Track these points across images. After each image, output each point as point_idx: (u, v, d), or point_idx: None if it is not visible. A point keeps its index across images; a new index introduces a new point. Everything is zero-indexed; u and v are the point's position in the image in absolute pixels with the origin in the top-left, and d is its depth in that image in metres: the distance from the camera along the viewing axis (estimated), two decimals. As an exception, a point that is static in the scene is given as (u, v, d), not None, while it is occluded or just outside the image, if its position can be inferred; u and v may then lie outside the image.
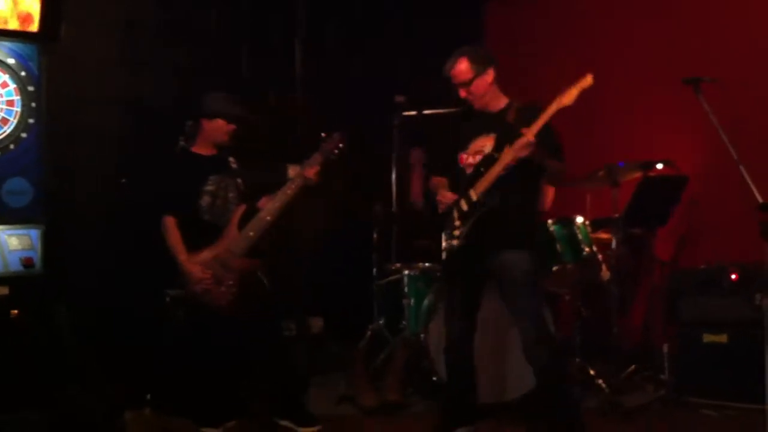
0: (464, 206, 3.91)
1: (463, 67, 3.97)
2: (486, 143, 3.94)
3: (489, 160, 3.87)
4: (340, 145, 4.26)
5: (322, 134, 4.29)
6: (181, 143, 4.33)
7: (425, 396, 4.82)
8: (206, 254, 4.17)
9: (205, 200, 4.25)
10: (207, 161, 4.32)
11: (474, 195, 3.88)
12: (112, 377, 4.46)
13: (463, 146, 4.04)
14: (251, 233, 4.18)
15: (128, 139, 5.13)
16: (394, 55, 6.31)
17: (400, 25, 6.48)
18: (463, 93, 4.00)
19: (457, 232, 3.91)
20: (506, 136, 3.82)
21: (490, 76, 3.99)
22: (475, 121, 4.07)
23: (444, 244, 3.99)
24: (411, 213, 5.35)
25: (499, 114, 3.99)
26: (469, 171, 3.98)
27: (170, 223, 4.20)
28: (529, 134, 3.72)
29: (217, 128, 4.30)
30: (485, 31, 6.90)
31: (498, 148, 3.86)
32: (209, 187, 4.26)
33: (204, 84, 5.30)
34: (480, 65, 3.96)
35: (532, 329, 3.87)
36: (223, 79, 5.54)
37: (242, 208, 4.27)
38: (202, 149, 4.34)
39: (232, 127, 4.32)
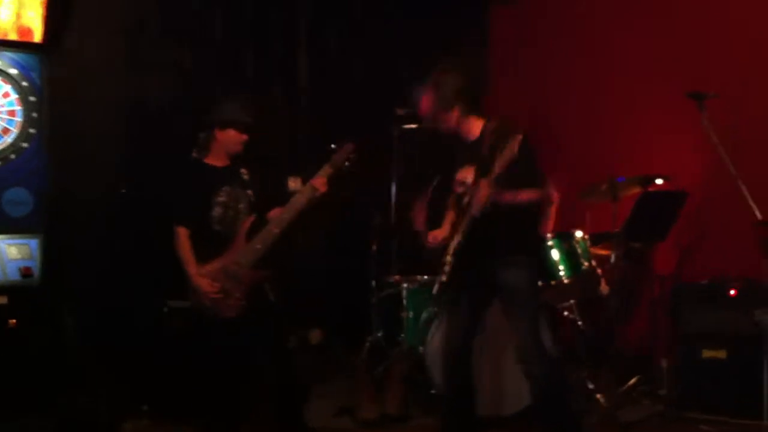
0: (453, 245, 3.92)
1: (426, 102, 3.93)
2: (468, 175, 3.92)
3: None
4: (351, 155, 4.21)
5: (332, 145, 4.23)
6: (194, 155, 4.32)
7: (424, 409, 4.80)
8: (214, 265, 4.15)
9: (217, 211, 4.20)
10: (220, 172, 4.28)
11: (456, 240, 3.89)
12: (111, 385, 4.47)
13: (453, 175, 4.03)
14: (258, 245, 4.16)
15: (129, 149, 5.14)
16: (396, 59, 6.32)
17: (403, 29, 6.48)
18: (427, 124, 4.00)
19: (447, 267, 3.90)
20: (483, 172, 3.78)
21: (453, 115, 3.91)
22: (460, 148, 4.02)
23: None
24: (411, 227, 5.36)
25: (475, 142, 3.91)
26: (462, 201, 3.96)
27: (182, 233, 4.16)
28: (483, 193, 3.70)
29: (230, 138, 4.25)
30: (490, 37, 6.93)
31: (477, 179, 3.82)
32: (221, 198, 4.22)
33: (208, 88, 5.34)
34: (444, 104, 3.89)
35: (528, 345, 3.86)
36: (227, 83, 5.56)
37: (251, 219, 4.26)
38: (215, 160, 4.30)
39: (245, 137, 4.29)
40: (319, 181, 4.17)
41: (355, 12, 6.44)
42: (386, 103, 5.69)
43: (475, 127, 3.95)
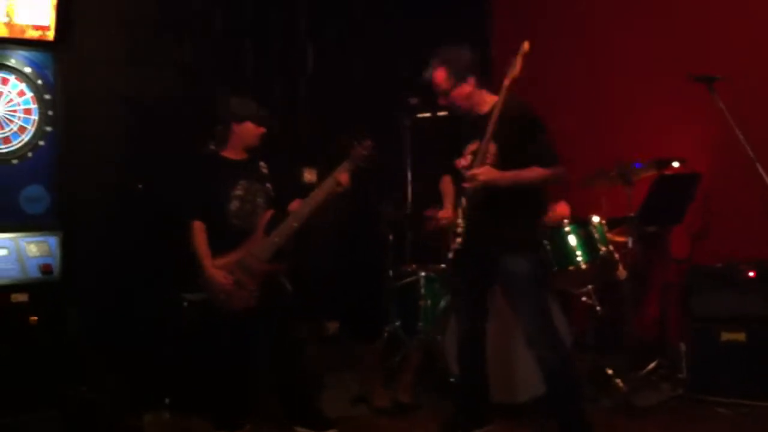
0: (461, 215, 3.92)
1: (440, 76, 3.94)
2: (472, 147, 3.93)
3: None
4: (371, 151, 4.20)
5: (354, 141, 4.21)
6: (211, 147, 4.31)
7: (440, 397, 4.82)
8: (230, 258, 4.17)
9: (234, 205, 4.22)
10: (237, 165, 4.30)
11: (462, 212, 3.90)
12: (130, 380, 4.49)
13: (460, 151, 4.03)
14: (277, 239, 4.17)
15: (143, 143, 5.15)
16: (402, 53, 6.30)
17: (406, 23, 6.45)
18: (442, 101, 3.98)
19: (459, 240, 3.91)
20: (484, 149, 3.79)
21: (469, 85, 3.94)
22: (466, 125, 4.03)
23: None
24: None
25: (484, 117, 3.89)
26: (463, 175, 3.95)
27: (197, 227, 4.18)
28: (480, 174, 3.73)
29: (248, 131, 4.28)
30: (493, 24, 6.91)
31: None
32: (238, 192, 4.24)
33: (213, 85, 5.34)
34: (458, 76, 3.91)
35: (536, 331, 3.87)
36: (232, 79, 5.56)
37: (269, 213, 4.26)
38: (232, 153, 4.32)
39: (262, 129, 4.31)
40: (342, 177, 4.15)
41: (356, 8, 6.43)
42: (391, 90, 5.67)
43: (487, 101, 3.96)
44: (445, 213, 4.05)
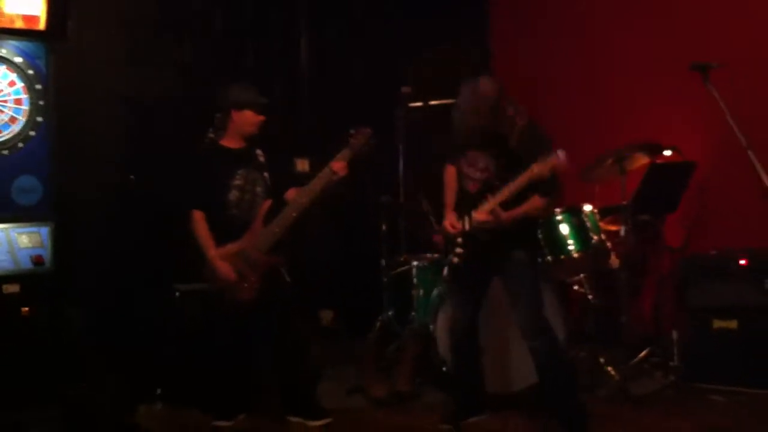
0: (465, 227, 3.92)
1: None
2: (480, 158, 3.92)
3: (489, 188, 3.88)
4: (370, 140, 4.16)
5: (351, 130, 4.18)
6: (210, 135, 4.29)
7: (436, 386, 4.83)
8: (230, 249, 4.15)
9: (234, 195, 4.18)
10: (236, 154, 4.26)
11: (468, 225, 3.89)
12: (123, 372, 4.49)
13: (461, 151, 4.02)
14: (276, 229, 4.14)
15: (136, 137, 5.15)
16: (402, 53, 6.31)
17: (406, 23, 6.46)
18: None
19: (459, 250, 3.90)
20: (511, 163, 3.81)
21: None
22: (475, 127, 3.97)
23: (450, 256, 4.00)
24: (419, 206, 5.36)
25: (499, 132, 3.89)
26: (468, 184, 3.98)
27: (198, 217, 4.14)
28: (499, 216, 3.79)
29: (246, 119, 4.23)
30: (490, 17, 6.91)
31: (500, 175, 3.85)
32: (237, 182, 4.19)
33: (213, 85, 5.33)
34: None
35: (528, 322, 3.89)
36: (232, 79, 5.55)
37: (268, 203, 4.24)
38: (230, 142, 4.28)
39: (261, 118, 4.26)
40: (339, 165, 4.11)
41: (356, 8, 6.43)
42: (388, 100, 5.67)
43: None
44: (449, 222, 4.03)
